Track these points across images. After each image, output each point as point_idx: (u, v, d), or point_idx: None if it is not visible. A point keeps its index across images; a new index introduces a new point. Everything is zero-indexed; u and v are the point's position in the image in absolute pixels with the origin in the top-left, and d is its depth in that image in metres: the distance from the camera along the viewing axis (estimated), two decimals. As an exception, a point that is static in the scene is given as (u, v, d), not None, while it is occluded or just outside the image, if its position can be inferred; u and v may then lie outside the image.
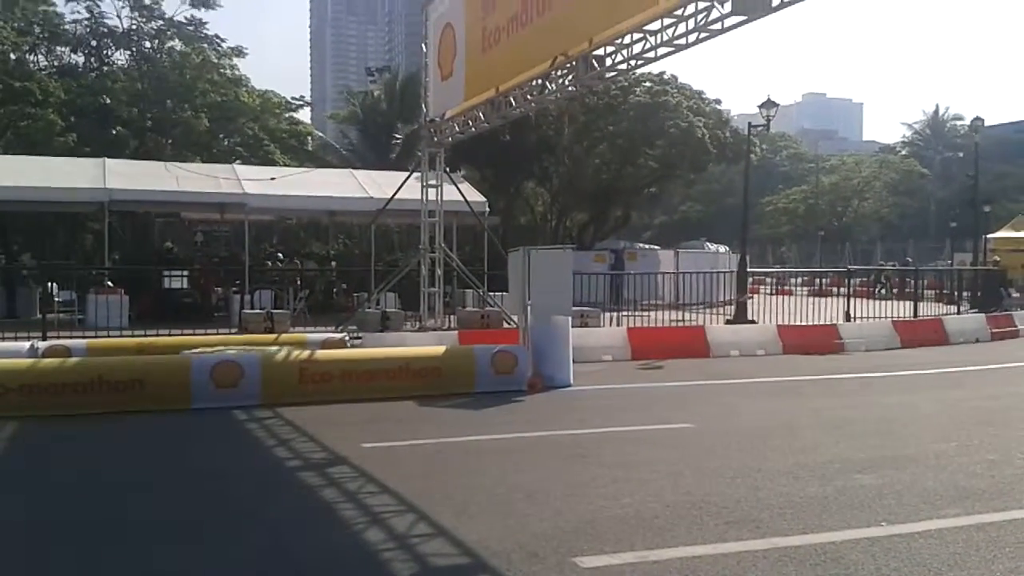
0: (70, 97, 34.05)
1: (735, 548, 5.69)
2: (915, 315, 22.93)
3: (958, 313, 24.30)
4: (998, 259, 32.25)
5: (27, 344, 13.54)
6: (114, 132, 34.48)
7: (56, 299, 20.81)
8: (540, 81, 13.98)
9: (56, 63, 37.19)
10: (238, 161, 33.24)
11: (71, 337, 15.22)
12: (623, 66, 12.72)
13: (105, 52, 37.78)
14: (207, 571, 5.38)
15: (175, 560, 5.60)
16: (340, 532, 6.25)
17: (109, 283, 20.98)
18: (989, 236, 38.59)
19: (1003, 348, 19.35)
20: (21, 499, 7.22)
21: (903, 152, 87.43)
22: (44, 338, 14.90)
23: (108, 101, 34.95)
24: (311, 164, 36.94)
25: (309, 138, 46.42)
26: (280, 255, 28.41)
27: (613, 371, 15.03)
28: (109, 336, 15.80)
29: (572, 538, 5.87)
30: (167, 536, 6.11)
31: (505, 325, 17.55)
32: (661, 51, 11.56)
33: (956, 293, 28.19)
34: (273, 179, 24.00)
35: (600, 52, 12.37)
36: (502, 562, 5.42)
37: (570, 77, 13.34)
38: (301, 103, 45.08)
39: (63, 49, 37.39)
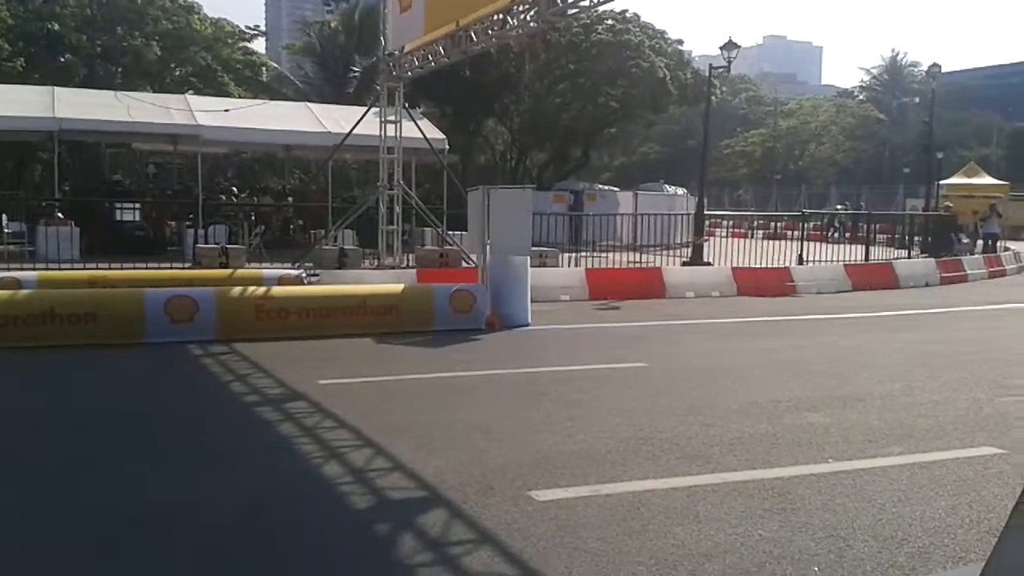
0: (17, 22, 32.87)
1: (685, 482, 5.84)
2: (866, 259, 23.31)
3: (909, 258, 24.79)
4: (950, 205, 32.79)
5: (-25, 276, 13.24)
6: (63, 60, 33.46)
7: (5, 230, 20.33)
8: (501, 16, 13.77)
9: (4, -13, 35.81)
10: (191, 92, 32.44)
11: (21, 269, 14.91)
12: (585, 2, 12.57)
13: (54, -25, 36.43)
14: (160, 505, 5.39)
15: (128, 494, 5.59)
16: (298, 466, 6.28)
17: (59, 215, 20.52)
18: (942, 182, 39.18)
19: (952, 292, 19.82)
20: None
21: (860, 97, 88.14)
22: (-8, 270, 14.59)
23: (57, 27, 33.80)
24: (266, 96, 36.18)
25: (264, 69, 45.43)
26: (235, 189, 27.95)
27: (570, 311, 15.14)
28: (60, 269, 15.51)
29: (528, 472, 5.97)
30: (119, 471, 6.10)
31: (464, 264, 17.53)
32: (625, -12, 11.42)
33: (907, 238, 28.73)
34: (227, 111, 23.52)
35: (563, -13, 12.20)
36: (458, 495, 5.50)
37: (532, 12, 13.17)
38: (255, 32, 44.02)
39: (11, -27, 35.97)
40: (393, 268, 17.79)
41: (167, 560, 4.60)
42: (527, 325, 13.10)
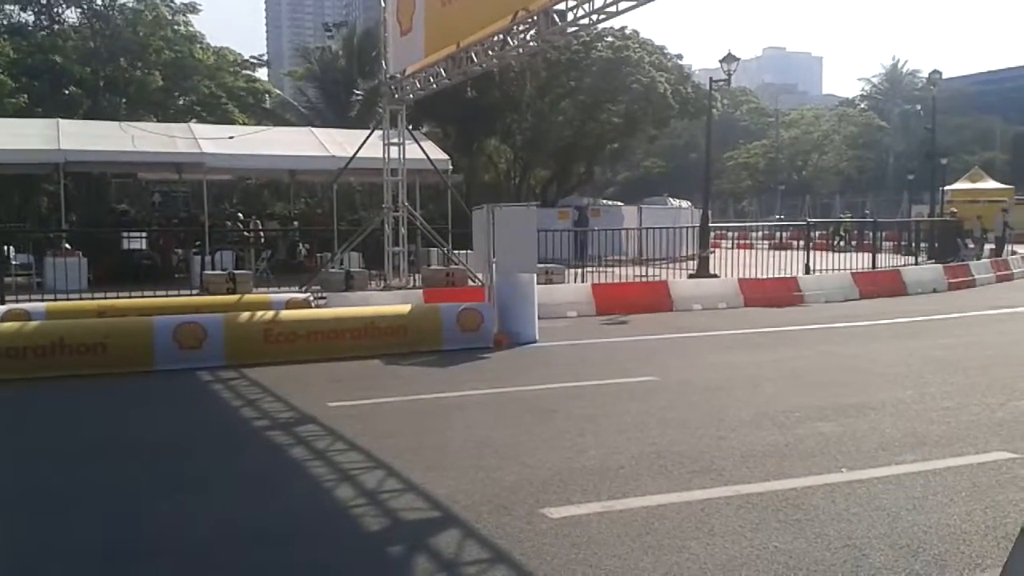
0: (20, 56, 33.16)
1: (699, 496, 5.82)
2: (873, 267, 23.26)
3: (916, 264, 24.73)
4: (955, 210, 32.79)
5: (-16, 308, 13.31)
6: (66, 92, 33.67)
7: (13, 262, 20.43)
8: (501, 36, 13.86)
9: (4, 21, 36.15)
10: (195, 120, 32.64)
11: (30, 300, 14.99)
12: (584, 20, 12.64)
13: (55, 10, 36.78)
14: (177, 531, 5.39)
15: (145, 521, 5.59)
16: (310, 489, 6.28)
17: (67, 245, 20.63)
18: (946, 188, 39.19)
19: (960, 298, 19.76)
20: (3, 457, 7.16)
21: (862, 106, 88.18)
22: (2, 302, 14.66)
23: (60, 60, 34.08)
24: (269, 122, 36.39)
25: (267, 96, 45.67)
26: (240, 215, 28.08)
27: (578, 327, 15.14)
28: (69, 299, 15.57)
29: (540, 490, 5.96)
30: (135, 497, 6.10)
31: (470, 283, 17.57)
32: (623, 5, 11.52)
33: (914, 245, 28.66)
34: (231, 138, 23.63)
35: (561, 6, 12.29)
36: (472, 515, 5.49)
37: (532, 32, 13.26)
38: (258, 62, 44.33)
39: (11, 7, 36.31)
40: (400, 289, 17.82)
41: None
42: (535, 342, 13.10)
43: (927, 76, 40.58)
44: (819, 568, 4.61)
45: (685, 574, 4.56)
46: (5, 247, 20.70)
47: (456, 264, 19.31)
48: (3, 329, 11.37)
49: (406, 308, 13.28)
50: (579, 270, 20.97)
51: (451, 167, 24.98)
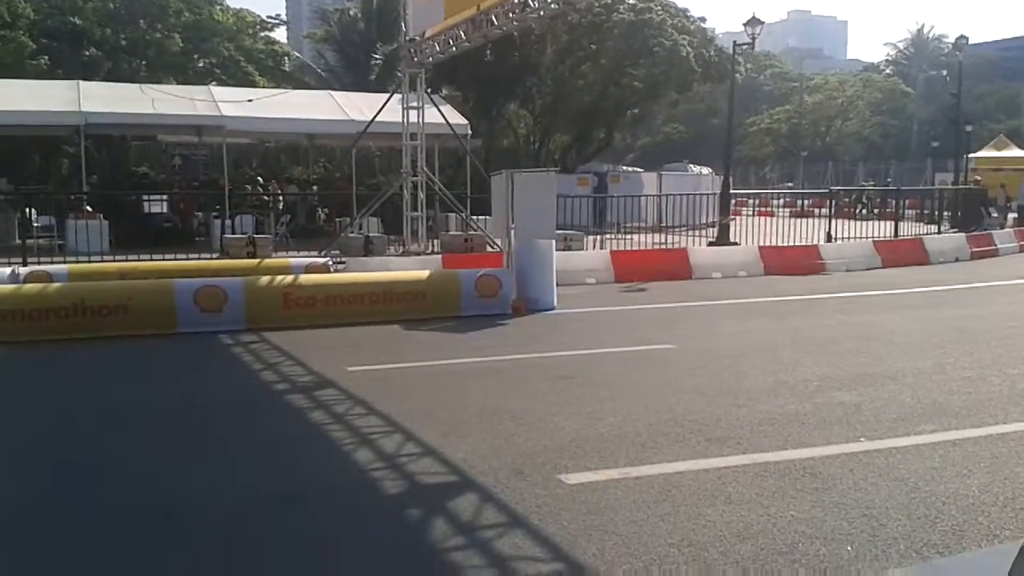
0: (40, 18, 33.14)
1: (716, 464, 5.83)
2: (896, 235, 23.07)
3: (938, 233, 24.49)
4: (979, 179, 32.33)
5: (8, 270, 13.42)
6: (87, 54, 33.72)
7: (35, 224, 20.58)
8: (522, -1, 13.70)
9: (24, -17, 36.06)
10: (214, 83, 32.62)
11: (51, 263, 15.11)
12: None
13: (76, -29, 36.64)
14: (197, 492, 5.46)
15: (165, 483, 5.67)
16: (330, 452, 6.34)
17: (88, 208, 20.75)
18: (970, 156, 38.65)
19: (982, 267, 19.56)
20: (28, 417, 7.27)
21: (887, 71, 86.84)
22: (24, 263, 14.78)
23: (79, 22, 34.05)
24: (288, 85, 36.29)
25: (286, 59, 45.54)
26: (260, 179, 28.12)
27: (596, 294, 15.12)
28: (90, 261, 15.68)
29: (557, 456, 5.99)
30: (155, 459, 6.18)
31: (488, 249, 17.54)
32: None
33: (937, 213, 28.37)
34: (251, 100, 23.58)
35: (583, -32, 12.11)
36: (489, 479, 5.53)
37: (553, -6, 13.08)
38: (277, 22, 44.13)
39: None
40: (418, 254, 17.83)
41: (202, 548, 4.66)
42: (553, 309, 13.09)
43: (953, 41, 39.92)
44: (836, 537, 4.62)
45: (701, 541, 4.58)
46: (27, 209, 20.86)
47: (475, 230, 19.28)
48: (26, 291, 11.49)
49: (424, 274, 13.30)
50: (598, 237, 20.91)
51: (470, 132, 24.87)
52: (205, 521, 5.05)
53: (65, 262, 15.39)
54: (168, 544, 4.70)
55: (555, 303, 13.24)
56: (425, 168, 19.14)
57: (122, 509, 5.17)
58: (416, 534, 4.84)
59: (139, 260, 15.61)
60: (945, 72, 67.75)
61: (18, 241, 17.82)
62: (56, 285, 12.11)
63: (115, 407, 7.73)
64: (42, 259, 15.78)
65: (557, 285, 13.56)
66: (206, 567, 4.44)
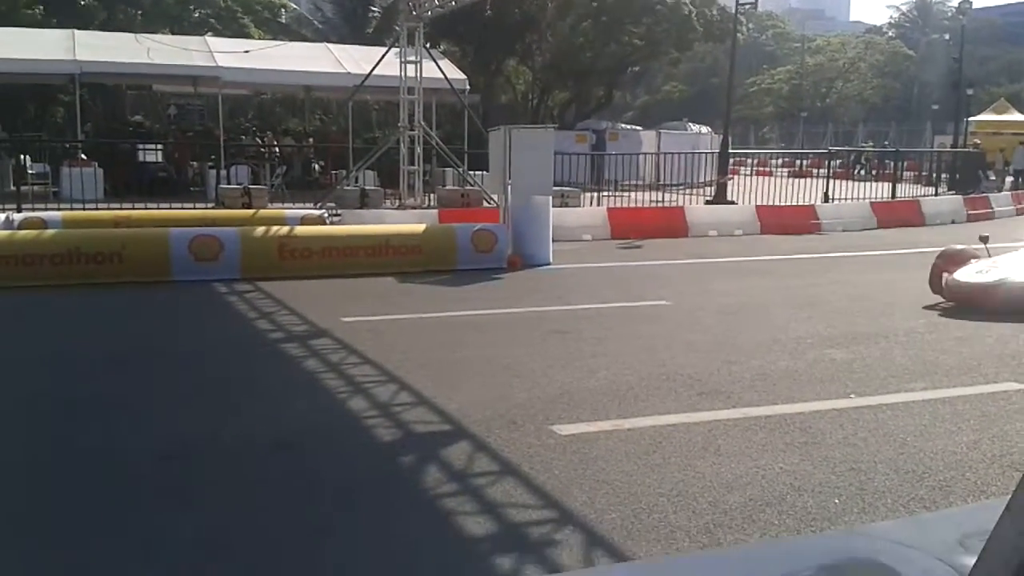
0: (35, -36, 32.54)
1: (706, 417, 5.87)
2: (893, 197, 23.03)
3: (936, 195, 24.45)
4: (978, 142, 32.20)
5: (2, 216, 13.37)
6: (81, 3, 33.19)
7: (29, 171, 20.45)
8: (523, -50, 13.50)
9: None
10: (210, 33, 32.17)
11: (46, 209, 15.04)
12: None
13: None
14: (192, 437, 5.49)
15: (159, 428, 5.71)
16: (324, 400, 6.38)
17: (83, 156, 20.61)
18: (970, 119, 38.46)
19: (977, 229, 19.49)
20: (23, 363, 7.29)
21: (889, 34, 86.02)
22: (19, 210, 14.72)
23: (75, -30, 33.45)
24: (285, 38, 35.80)
25: (283, 10, 44.90)
26: (256, 130, 27.92)
27: (592, 250, 15.11)
28: (85, 209, 15.61)
29: (550, 408, 6.02)
30: (151, 404, 6.21)
31: (485, 204, 17.49)
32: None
33: (935, 175, 28.31)
34: (247, 52, 23.32)
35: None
36: (482, 429, 5.57)
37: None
38: (274, -28, 43.40)
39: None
40: (415, 208, 17.76)
41: (196, 493, 4.70)
42: (549, 264, 13.10)
43: (957, 5, 39.42)
44: (823, 490, 4.67)
45: (691, 491, 4.63)
46: (22, 156, 20.71)
47: (471, 185, 19.20)
48: (21, 237, 11.46)
49: (421, 227, 13.27)
50: (595, 194, 20.85)
51: (468, 87, 24.63)
52: (202, 465, 5.08)
53: (59, 209, 15.32)
54: (165, 487, 4.74)
55: (551, 259, 13.24)
56: (423, 122, 18.99)
57: (119, 452, 5.21)
58: (409, 480, 4.89)
59: (133, 209, 15.54)
60: (948, 36, 67.17)
61: (13, 188, 17.70)
62: (51, 232, 12.07)
63: (110, 353, 7.74)
64: (36, 206, 15.70)
65: (553, 241, 13.55)
66: (202, 508, 4.48)
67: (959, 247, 10.83)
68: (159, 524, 4.27)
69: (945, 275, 10.07)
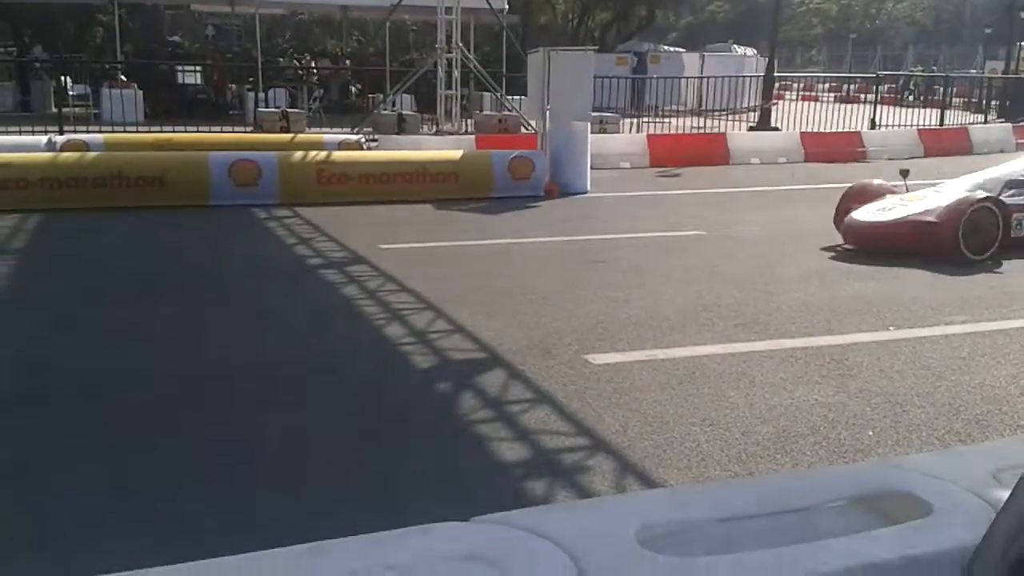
0: None
1: (742, 348, 5.87)
2: (941, 123, 22.44)
3: (985, 122, 23.77)
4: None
5: (44, 138, 13.51)
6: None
7: (70, 93, 20.58)
8: None
9: None
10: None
11: (87, 132, 15.16)
12: None
13: None
14: (237, 359, 5.62)
15: (204, 349, 5.84)
16: (361, 326, 6.48)
17: (123, 77, 20.68)
18: (1023, 44, 37.07)
19: (1028, 160, 19.02)
20: (58, 286, 7.47)
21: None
22: (61, 132, 14.84)
23: None
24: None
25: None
26: (293, 52, 27.76)
27: (631, 178, 14.97)
28: (125, 131, 15.72)
29: (584, 337, 6.06)
30: (193, 327, 6.35)
31: (523, 130, 17.32)
32: None
33: (984, 102, 27.47)
34: (284, -30, 23.08)
35: None
36: (516, 357, 5.62)
37: None
38: None
39: None
40: (452, 134, 17.64)
41: (238, 412, 4.82)
42: (586, 192, 13.01)
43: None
44: (858, 422, 4.67)
45: (723, 421, 4.66)
46: (63, 78, 20.83)
47: (509, 110, 19.00)
48: (64, 159, 11.60)
49: (458, 154, 13.20)
50: (635, 120, 20.55)
51: (507, 7, 24.18)
52: (243, 382, 5.22)
53: (100, 131, 15.43)
54: (207, 405, 4.87)
55: (588, 187, 13.14)
56: (460, 44, 18.72)
57: (162, 373, 5.34)
58: (445, 406, 4.98)
59: (174, 132, 15.62)
60: (1007, -48, 64.39)
61: (54, 109, 17.85)
62: (93, 155, 12.18)
63: (151, 275, 7.89)
64: (78, 128, 15.84)
65: (591, 168, 13.43)
66: (244, 428, 4.61)
67: (874, 182, 9.94)
68: (207, 436, 4.44)
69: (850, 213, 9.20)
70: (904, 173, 9.62)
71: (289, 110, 18.55)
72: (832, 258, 8.71)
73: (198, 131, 15.94)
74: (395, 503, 3.75)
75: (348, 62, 28.04)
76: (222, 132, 16.15)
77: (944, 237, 8.39)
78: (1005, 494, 1.28)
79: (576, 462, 4.22)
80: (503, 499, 3.82)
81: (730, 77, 23.37)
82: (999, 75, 31.63)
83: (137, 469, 4.07)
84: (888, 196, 9.40)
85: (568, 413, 4.77)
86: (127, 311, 6.74)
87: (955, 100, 27.26)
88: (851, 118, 20.78)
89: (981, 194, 8.84)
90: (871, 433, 4.55)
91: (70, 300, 7.09)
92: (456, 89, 18.80)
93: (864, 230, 8.93)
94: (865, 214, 9.03)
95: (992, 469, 1.74)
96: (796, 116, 20.69)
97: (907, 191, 9.48)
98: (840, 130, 19.65)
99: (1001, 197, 8.86)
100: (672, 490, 3.48)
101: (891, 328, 6.36)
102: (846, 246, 9.06)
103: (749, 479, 3.91)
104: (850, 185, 9.91)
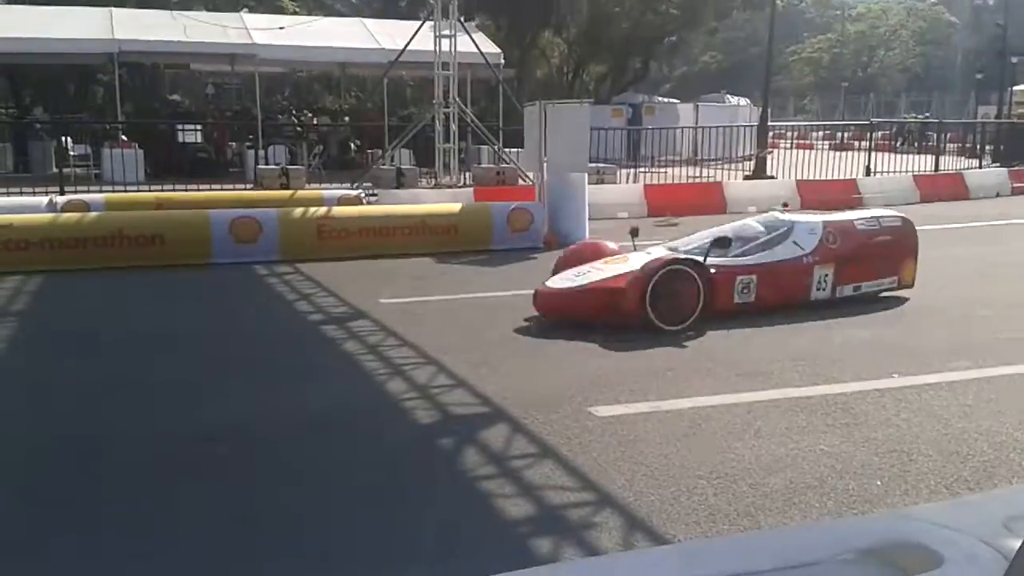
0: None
1: (747, 398, 5.83)
2: (936, 169, 22.62)
3: (980, 167, 23.95)
4: (1023, 112, 31.47)
5: (45, 199, 13.58)
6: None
7: (71, 153, 20.76)
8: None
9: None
10: (245, 9, 32.30)
11: (88, 192, 15.26)
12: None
13: None
14: (234, 418, 5.58)
15: (203, 407, 5.80)
16: (363, 382, 6.44)
17: (123, 137, 20.88)
18: (1015, 88, 37.53)
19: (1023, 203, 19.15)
20: (70, 346, 7.45)
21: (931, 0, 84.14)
22: (62, 192, 14.93)
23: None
24: (320, 13, 35.82)
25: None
26: (293, 109, 28.07)
27: (628, 228, 14.98)
28: (126, 191, 15.83)
29: (587, 390, 6.02)
30: (194, 385, 6.32)
31: (521, 182, 17.45)
32: None
33: (979, 147, 27.73)
34: (282, 28, 23.41)
35: None
36: (519, 411, 5.58)
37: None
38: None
39: None
40: (450, 187, 17.76)
41: (235, 472, 4.78)
42: (585, 242, 13.03)
43: (1004, -32, 38.42)
44: (865, 471, 4.63)
45: (730, 473, 4.61)
46: (63, 138, 21.03)
47: (507, 162, 19.16)
48: (64, 220, 11.65)
49: (457, 207, 13.27)
50: (632, 170, 20.71)
51: (503, 61, 24.53)
52: (245, 445, 5.17)
53: (102, 191, 15.54)
54: (207, 467, 4.82)
55: (587, 237, 13.17)
56: (457, 99, 18.95)
57: (163, 433, 5.30)
58: (448, 462, 4.93)
59: (174, 190, 15.73)
60: (992, 1, 65.47)
61: (55, 170, 17.99)
62: (93, 215, 12.25)
63: (154, 334, 7.87)
64: (79, 188, 15.94)
65: (589, 219, 13.49)
66: (246, 488, 4.56)
67: (608, 243, 8.88)
68: (206, 497, 4.41)
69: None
70: (634, 233, 8.75)
71: (289, 166, 18.70)
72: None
73: (199, 189, 16.05)
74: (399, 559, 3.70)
75: (347, 118, 28.34)
76: (222, 190, 16.25)
77: (629, 305, 7.40)
78: (1016, 543, 1.26)
79: (582, 518, 4.17)
80: (509, 558, 3.77)
81: (725, 127, 23.64)
82: (992, 120, 31.96)
83: (130, 526, 4.02)
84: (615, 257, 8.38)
85: (573, 467, 4.72)
86: (126, 370, 6.71)
87: (949, 146, 27.52)
88: (846, 165, 20.94)
89: (676, 255, 7.90)
90: (879, 483, 4.50)
91: (71, 358, 7.06)
92: (454, 143, 18.98)
93: (551, 297, 7.89)
94: (558, 281, 8.02)
95: (1003, 518, 1.72)
96: (791, 164, 20.87)
97: (636, 250, 8.43)
98: (835, 177, 19.80)
99: (712, 257, 7.78)
100: (681, 546, 3.44)
101: (895, 375, 6.31)
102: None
103: (759, 533, 3.86)
104: (565, 249, 9.14)
